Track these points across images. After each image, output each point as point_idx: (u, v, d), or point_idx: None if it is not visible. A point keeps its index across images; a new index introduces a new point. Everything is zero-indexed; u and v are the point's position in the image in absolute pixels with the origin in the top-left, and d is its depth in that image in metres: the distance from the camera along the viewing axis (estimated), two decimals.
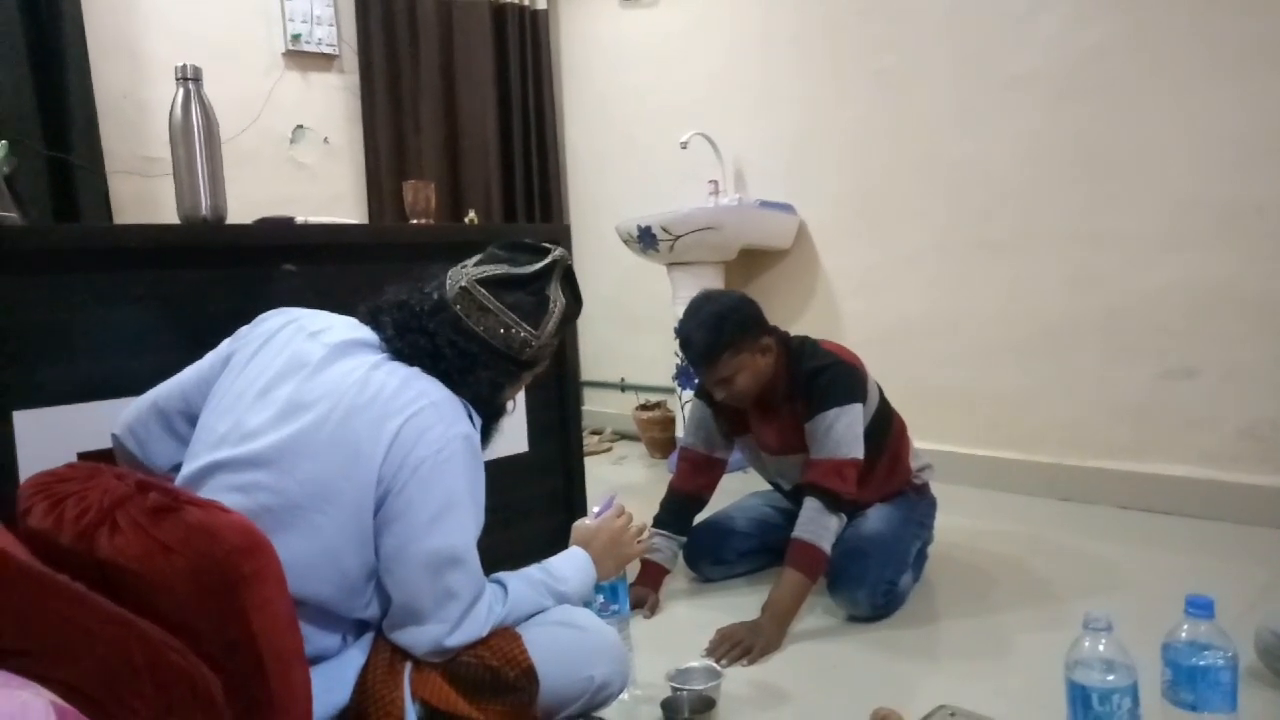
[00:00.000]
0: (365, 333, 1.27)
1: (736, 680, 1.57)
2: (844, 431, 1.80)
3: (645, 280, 3.65)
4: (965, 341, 2.82)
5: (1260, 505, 2.26)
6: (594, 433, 3.90)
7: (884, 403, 1.98)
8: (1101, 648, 1.14)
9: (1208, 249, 2.33)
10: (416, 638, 1.17)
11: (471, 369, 1.25)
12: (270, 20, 3.33)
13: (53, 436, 1.48)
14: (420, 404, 1.16)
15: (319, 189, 3.49)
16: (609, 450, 3.76)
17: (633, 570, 1.82)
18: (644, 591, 1.92)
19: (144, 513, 0.93)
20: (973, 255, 2.78)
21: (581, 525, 1.49)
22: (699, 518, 2.09)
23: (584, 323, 2.66)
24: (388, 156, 3.58)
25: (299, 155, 3.45)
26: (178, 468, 1.23)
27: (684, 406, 3.17)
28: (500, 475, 1.50)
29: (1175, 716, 1.15)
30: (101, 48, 2.89)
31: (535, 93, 3.97)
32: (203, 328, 1.45)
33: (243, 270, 1.72)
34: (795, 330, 1.98)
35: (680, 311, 1.97)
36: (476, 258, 1.30)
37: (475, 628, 1.19)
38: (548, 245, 1.32)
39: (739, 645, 1.67)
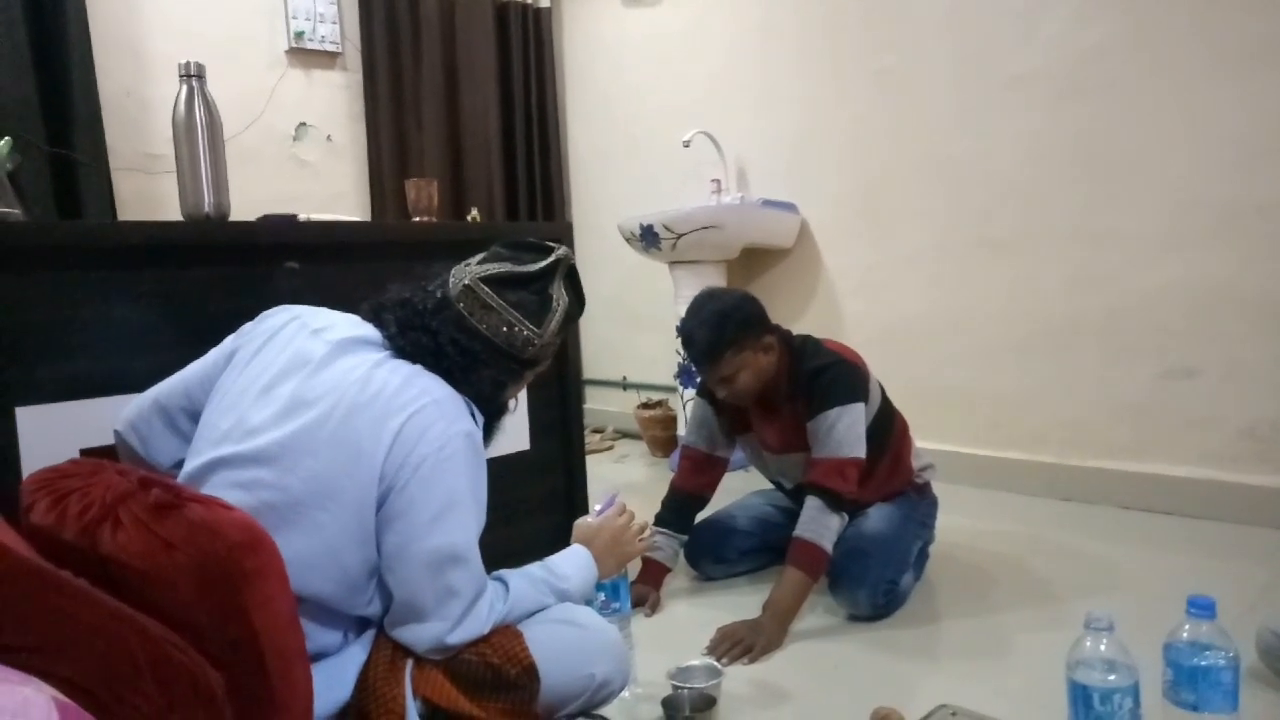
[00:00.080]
0: (368, 330, 1.27)
1: (737, 679, 1.57)
2: (845, 431, 1.80)
3: (647, 279, 3.65)
4: (966, 341, 2.82)
5: (1260, 505, 2.25)
6: (596, 431, 3.90)
7: (886, 402, 1.98)
8: (1103, 647, 1.14)
9: (1208, 249, 2.32)
10: (418, 635, 1.17)
11: (474, 367, 1.25)
12: (273, 18, 3.33)
13: (55, 433, 1.48)
14: (422, 402, 1.16)
15: (322, 187, 3.50)
16: (610, 449, 3.76)
17: (634, 568, 1.82)
18: (645, 590, 1.92)
19: (146, 509, 0.93)
20: (973, 255, 2.78)
21: (583, 523, 1.49)
22: (700, 516, 2.09)
23: (586, 321, 2.65)
24: (390, 154, 3.58)
25: (302, 153, 3.45)
26: (180, 465, 1.23)
27: (685, 405, 3.18)
28: (502, 473, 1.51)
29: (1176, 716, 1.15)
30: (105, 45, 2.90)
31: (538, 91, 3.97)
32: (205, 325, 1.45)
33: (245, 268, 1.73)
34: (797, 329, 1.98)
35: (682, 310, 1.97)
36: (480, 256, 1.31)
37: (476, 625, 1.19)
38: (551, 244, 1.33)
39: (740, 644, 1.67)
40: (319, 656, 1.16)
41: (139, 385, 1.34)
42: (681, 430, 3.12)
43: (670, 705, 1.38)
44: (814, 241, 3.22)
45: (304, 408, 1.15)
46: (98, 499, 0.95)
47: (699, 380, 1.96)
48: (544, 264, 1.29)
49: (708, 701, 1.39)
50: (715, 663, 1.55)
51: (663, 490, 2.08)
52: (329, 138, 3.52)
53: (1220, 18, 2.25)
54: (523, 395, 1.43)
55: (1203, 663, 1.12)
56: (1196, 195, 2.33)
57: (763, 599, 1.77)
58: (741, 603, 1.89)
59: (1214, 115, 2.29)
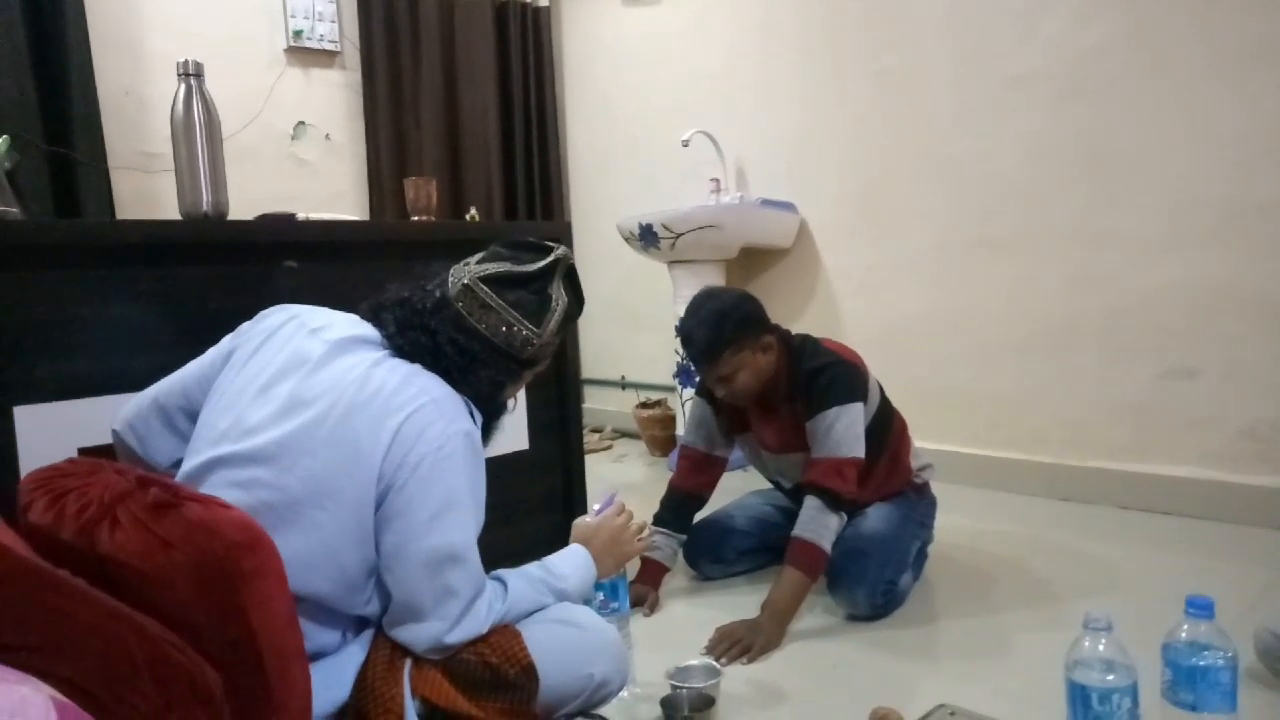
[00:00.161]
0: (366, 330, 1.27)
1: (736, 679, 1.57)
2: (844, 431, 1.79)
3: (646, 278, 3.65)
4: (965, 341, 2.82)
5: (1260, 505, 2.25)
6: (594, 430, 3.90)
7: (885, 402, 1.97)
8: (1101, 648, 1.14)
9: (1208, 249, 2.32)
10: (416, 635, 1.17)
11: (472, 367, 1.25)
12: (272, 16, 3.33)
13: (53, 432, 1.48)
14: (421, 401, 1.16)
15: (320, 186, 3.49)
16: (609, 448, 3.76)
17: (632, 568, 1.82)
18: (644, 589, 1.92)
19: (145, 508, 0.93)
20: (973, 255, 2.78)
21: (582, 523, 1.49)
22: (699, 516, 2.10)
23: (585, 320, 2.65)
24: (389, 153, 3.58)
25: (300, 152, 3.45)
26: (178, 464, 1.23)
27: (684, 405, 3.18)
28: (501, 472, 1.51)
29: (1175, 717, 1.15)
30: (103, 44, 2.89)
31: (537, 90, 3.97)
32: (203, 324, 1.45)
33: (244, 267, 1.73)
34: (796, 329, 1.98)
35: (681, 310, 1.97)
36: (479, 255, 1.30)
37: (475, 625, 1.19)
38: (550, 244, 1.32)
39: (738, 644, 1.67)
40: (317, 656, 1.15)
41: (137, 384, 1.34)
42: (680, 430, 3.11)
43: (669, 705, 1.37)
44: (813, 241, 3.22)
45: (302, 407, 1.15)
46: (96, 498, 0.95)
47: (698, 380, 1.96)
48: (543, 264, 1.29)
49: (706, 701, 1.38)
50: (714, 662, 1.55)
51: (661, 490, 2.08)
52: (327, 137, 3.52)
53: (1220, 18, 2.25)
54: (521, 395, 1.42)
55: (1201, 663, 1.12)
56: (1196, 195, 2.33)
57: (761, 599, 1.77)
58: (740, 602, 1.89)
59: (1214, 115, 2.28)
